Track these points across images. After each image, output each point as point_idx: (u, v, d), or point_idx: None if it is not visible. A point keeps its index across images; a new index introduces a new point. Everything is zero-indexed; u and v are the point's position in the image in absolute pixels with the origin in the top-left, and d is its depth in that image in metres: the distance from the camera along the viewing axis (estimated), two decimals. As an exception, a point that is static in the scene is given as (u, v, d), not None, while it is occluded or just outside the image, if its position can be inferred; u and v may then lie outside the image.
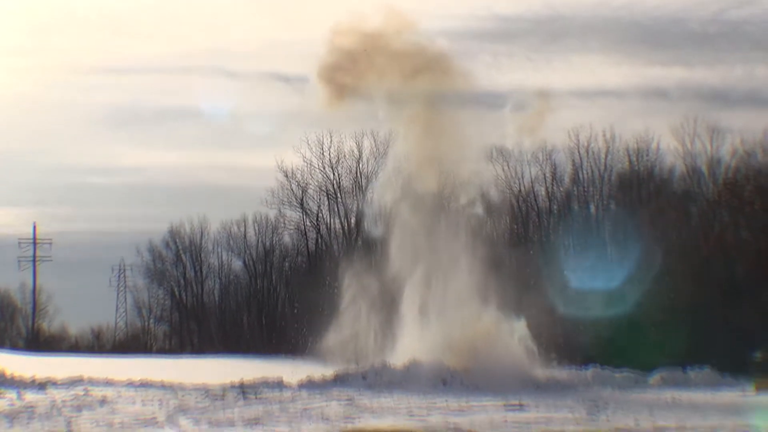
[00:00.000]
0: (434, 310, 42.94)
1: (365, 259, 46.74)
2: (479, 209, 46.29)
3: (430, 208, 44.65)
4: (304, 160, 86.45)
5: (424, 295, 43.55)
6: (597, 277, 57.99)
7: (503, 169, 77.84)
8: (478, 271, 43.60)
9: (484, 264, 43.89)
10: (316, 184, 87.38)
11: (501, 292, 43.43)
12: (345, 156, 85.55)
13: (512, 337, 42.15)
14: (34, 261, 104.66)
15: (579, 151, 74.96)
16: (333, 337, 44.73)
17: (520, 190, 78.05)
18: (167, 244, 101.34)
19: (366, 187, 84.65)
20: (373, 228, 46.91)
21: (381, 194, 45.92)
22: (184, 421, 22.45)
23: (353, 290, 45.43)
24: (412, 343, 41.77)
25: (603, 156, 74.33)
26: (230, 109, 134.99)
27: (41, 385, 33.15)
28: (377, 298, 44.82)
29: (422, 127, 44.96)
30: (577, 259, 62.18)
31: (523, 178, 77.83)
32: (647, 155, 72.49)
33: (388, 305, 44.45)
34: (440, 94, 45.16)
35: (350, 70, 44.65)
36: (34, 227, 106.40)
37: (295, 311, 78.88)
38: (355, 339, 44.13)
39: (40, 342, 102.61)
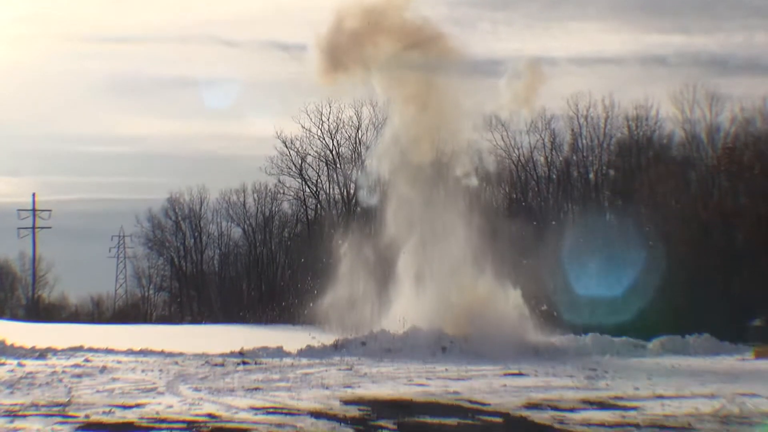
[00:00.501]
0: (429, 277, 43.02)
1: (364, 227, 46.79)
2: (475, 178, 46.36)
3: (426, 176, 44.65)
4: (303, 129, 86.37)
5: (420, 263, 43.69)
6: (596, 248, 58.07)
7: (502, 137, 77.69)
8: (474, 238, 43.71)
9: (481, 232, 43.99)
10: (316, 152, 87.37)
11: (498, 260, 43.59)
12: (344, 124, 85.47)
13: (508, 304, 42.31)
14: (33, 231, 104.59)
15: (578, 119, 74.84)
16: (332, 305, 44.84)
17: (519, 158, 77.99)
18: (167, 213, 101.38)
19: (365, 156, 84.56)
20: (368, 197, 46.88)
21: (377, 164, 45.85)
22: (184, 389, 22.50)
23: (351, 258, 45.55)
24: (409, 310, 41.90)
25: (602, 123, 74.20)
26: (229, 78, 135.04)
27: (42, 354, 33.21)
28: (375, 265, 44.93)
29: (419, 100, 44.85)
30: (576, 235, 62.16)
31: (522, 146, 77.78)
32: (646, 122, 72.40)
33: (385, 272, 44.59)
34: (437, 65, 45.06)
35: (350, 47, 44.56)
36: (34, 197, 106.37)
37: (295, 279, 79.08)
38: (353, 306, 44.23)
39: (40, 311, 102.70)
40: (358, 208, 47.94)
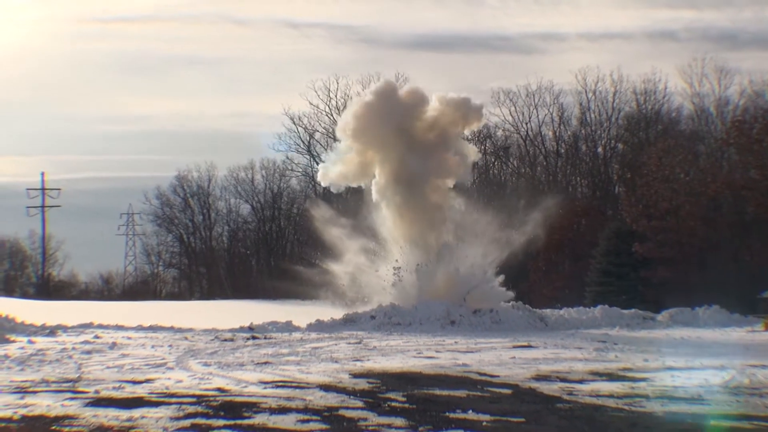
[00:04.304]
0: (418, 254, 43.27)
1: (369, 202, 46.87)
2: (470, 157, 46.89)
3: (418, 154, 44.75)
4: (311, 105, 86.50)
5: (408, 237, 43.99)
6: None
7: (510, 112, 77.78)
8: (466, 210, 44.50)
9: (478, 206, 44.59)
10: (323, 128, 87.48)
11: (501, 235, 44.23)
12: (352, 100, 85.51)
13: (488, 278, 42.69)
14: (42, 209, 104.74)
15: (586, 93, 74.81)
16: (341, 280, 44.95)
17: (527, 133, 77.97)
18: (175, 190, 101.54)
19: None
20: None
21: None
22: (194, 364, 22.54)
23: (358, 232, 45.72)
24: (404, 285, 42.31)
25: (610, 97, 74.15)
26: (237, 56, 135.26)
27: (52, 331, 33.27)
28: (380, 239, 45.06)
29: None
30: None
31: (530, 120, 77.78)
32: (655, 96, 72.31)
33: (386, 247, 44.84)
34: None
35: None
36: (42, 176, 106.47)
37: (303, 255, 79.08)
38: (360, 281, 44.31)
39: (50, 289, 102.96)
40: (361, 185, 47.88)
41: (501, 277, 42.83)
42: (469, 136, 78.13)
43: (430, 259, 42.34)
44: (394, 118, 44.35)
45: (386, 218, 44.69)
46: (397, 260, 42.76)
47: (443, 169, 44.96)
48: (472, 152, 48.08)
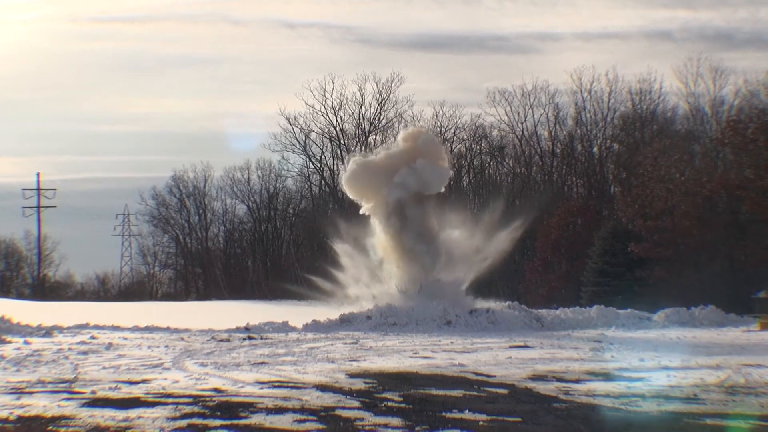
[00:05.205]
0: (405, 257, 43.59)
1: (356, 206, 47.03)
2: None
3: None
4: (306, 106, 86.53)
5: (395, 239, 44.19)
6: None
7: (506, 112, 77.79)
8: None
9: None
10: (319, 128, 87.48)
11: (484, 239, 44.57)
12: (347, 101, 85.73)
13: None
14: (38, 210, 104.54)
15: (582, 93, 74.76)
16: (337, 280, 45.00)
17: (523, 133, 78.00)
18: (171, 191, 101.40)
19: (369, 131, 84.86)
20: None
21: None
22: (190, 364, 22.55)
23: (353, 233, 45.78)
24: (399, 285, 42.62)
25: (606, 97, 74.13)
26: (234, 56, 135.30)
27: (48, 332, 33.25)
28: (374, 241, 45.11)
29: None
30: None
31: (526, 120, 77.79)
32: (650, 96, 72.30)
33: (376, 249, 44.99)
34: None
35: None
36: (38, 176, 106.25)
37: (300, 255, 79.17)
38: (356, 281, 44.37)
39: (45, 290, 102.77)
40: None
41: (471, 298, 43.08)
42: (465, 137, 78.93)
43: (422, 283, 42.53)
44: (378, 179, 44.75)
45: (383, 245, 44.75)
46: (401, 285, 42.99)
47: (428, 187, 45.04)
48: (447, 159, 47.98)
